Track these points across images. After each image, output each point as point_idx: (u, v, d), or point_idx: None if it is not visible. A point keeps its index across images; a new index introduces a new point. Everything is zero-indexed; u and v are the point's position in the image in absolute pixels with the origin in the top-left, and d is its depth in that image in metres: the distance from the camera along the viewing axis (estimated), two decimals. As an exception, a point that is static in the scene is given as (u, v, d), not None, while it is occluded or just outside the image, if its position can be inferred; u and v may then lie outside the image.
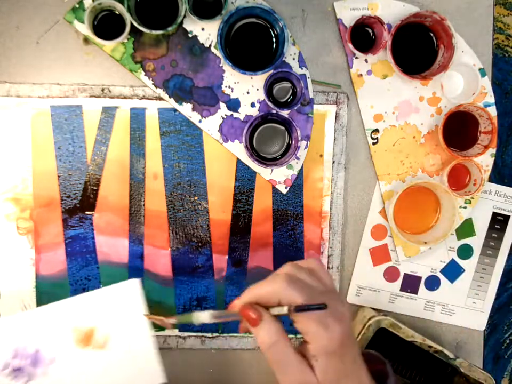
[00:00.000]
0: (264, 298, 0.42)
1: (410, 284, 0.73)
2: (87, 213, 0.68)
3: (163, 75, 0.68)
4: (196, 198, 0.70)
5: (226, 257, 0.70)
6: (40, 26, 0.67)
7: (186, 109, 0.68)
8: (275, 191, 0.70)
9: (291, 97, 0.68)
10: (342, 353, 0.41)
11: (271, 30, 0.67)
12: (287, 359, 0.41)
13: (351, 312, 0.43)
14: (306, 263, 0.46)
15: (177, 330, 0.70)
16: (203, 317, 0.46)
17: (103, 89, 0.68)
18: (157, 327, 0.70)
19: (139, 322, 0.62)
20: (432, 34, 0.70)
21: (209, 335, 0.71)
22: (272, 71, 0.65)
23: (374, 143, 0.71)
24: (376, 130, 0.71)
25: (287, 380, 0.42)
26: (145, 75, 0.67)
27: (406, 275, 0.73)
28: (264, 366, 0.72)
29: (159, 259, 0.69)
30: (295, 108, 0.68)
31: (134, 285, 0.63)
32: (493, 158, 0.71)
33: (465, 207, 0.72)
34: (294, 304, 0.40)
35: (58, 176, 0.68)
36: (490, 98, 0.71)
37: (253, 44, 0.67)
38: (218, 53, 0.68)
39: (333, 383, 0.41)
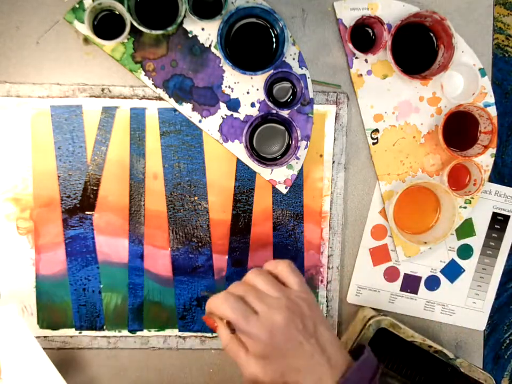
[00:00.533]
0: (211, 311, 0.51)
1: (410, 284, 0.73)
2: (87, 213, 0.68)
3: (163, 75, 0.68)
4: (196, 198, 0.70)
5: (226, 257, 0.70)
6: (40, 26, 0.67)
7: (186, 109, 0.68)
8: (275, 191, 0.70)
9: (291, 97, 0.68)
10: (278, 354, 0.48)
11: (271, 30, 0.67)
12: (239, 356, 0.49)
13: (283, 320, 0.49)
14: (275, 266, 0.53)
15: (177, 330, 0.70)
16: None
17: (103, 89, 0.68)
18: (158, 327, 0.70)
19: (28, 344, 0.61)
20: (432, 34, 0.70)
21: (209, 335, 0.71)
22: (272, 71, 0.65)
23: (374, 143, 0.71)
24: (376, 130, 0.71)
25: (242, 371, 0.50)
26: (145, 75, 0.67)
27: (406, 275, 0.73)
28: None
29: (159, 259, 0.69)
30: (295, 108, 0.68)
31: (11, 310, 0.62)
32: (493, 158, 0.71)
33: (465, 207, 0.72)
34: (227, 319, 0.49)
35: (58, 176, 0.68)
36: (490, 98, 0.71)
37: (253, 44, 0.67)
38: (218, 53, 0.68)
39: (276, 379, 0.48)
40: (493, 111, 0.70)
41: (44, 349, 0.68)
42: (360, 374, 0.49)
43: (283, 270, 0.53)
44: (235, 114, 0.68)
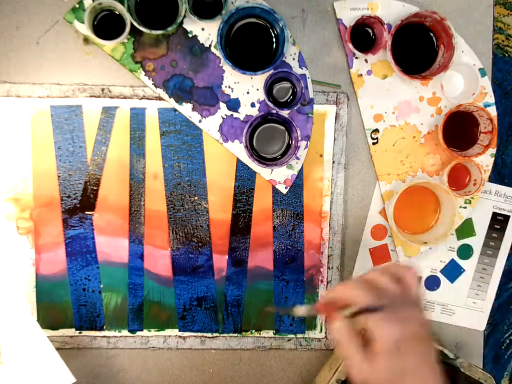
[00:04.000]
0: (337, 299, 0.48)
1: (410, 284, 0.73)
2: (87, 213, 0.68)
3: (163, 75, 0.68)
4: (196, 198, 0.70)
5: (226, 257, 0.70)
6: (40, 26, 0.67)
7: (186, 109, 0.68)
8: (275, 191, 0.70)
9: (291, 97, 0.68)
10: (404, 352, 0.45)
11: (271, 30, 0.67)
12: (350, 354, 0.46)
13: (422, 318, 0.47)
14: (400, 270, 0.50)
15: (177, 330, 0.70)
16: (302, 311, 0.53)
17: (103, 89, 0.68)
18: (158, 327, 0.70)
19: (30, 327, 0.60)
20: (432, 34, 0.70)
21: (209, 335, 0.71)
22: (272, 71, 0.65)
23: (374, 143, 0.71)
24: (376, 130, 0.71)
25: (350, 371, 0.47)
26: (145, 75, 0.67)
27: (406, 275, 0.73)
28: (264, 366, 0.72)
29: (159, 259, 0.69)
30: (295, 108, 0.68)
31: (13, 291, 0.61)
32: (493, 158, 0.71)
33: (465, 207, 0.72)
34: (359, 305, 0.45)
35: (58, 176, 0.68)
36: (490, 98, 0.71)
37: (253, 44, 0.67)
38: (218, 53, 0.68)
39: (389, 381, 0.45)
40: (493, 111, 0.70)
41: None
42: None
43: (408, 276, 0.49)
44: (235, 114, 0.68)
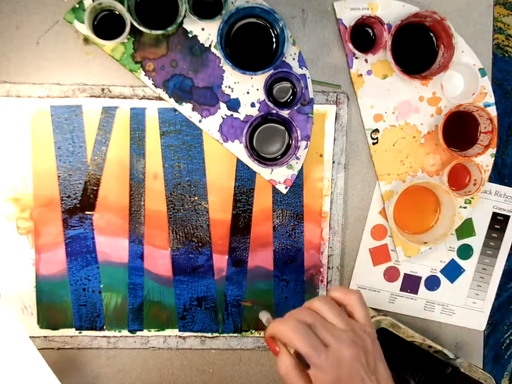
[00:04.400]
0: (277, 336, 0.49)
1: (410, 284, 0.73)
2: (87, 213, 0.68)
3: (163, 75, 0.68)
4: (196, 198, 0.70)
5: (226, 257, 0.70)
6: (40, 26, 0.67)
7: (186, 109, 0.68)
8: (275, 191, 0.70)
9: (291, 97, 0.68)
10: None
11: (271, 30, 0.67)
12: None
13: (356, 352, 0.48)
14: (344, 295, 0.52)
15: (177, 330, 0.70)
16: (263, 319, 0.57)
17: (103, 89, 0.68)
18: (158, 327, 0.70)
19: (23, 345, 0.59)
20: (432, 34, 0.70)
21: (209, 335, 0.71)
22: (272, 71, 0.65)
23: (374, 143, 0.71)
24: (376, 130, 0.71)
25: None
26: (145, 75, 0.67)
27: (406, 275, 0.73)
28: (264, 366, 0.72)
29: (159, 259, 0.69)
30: (295, 108, 0.68)
31: (6, 311, 0.60)
32: (493, 158, 0.71)
33: (465, 207, 0.72)
34: (296, 349, 0.47)
35: (58, 176, 0.68)
36: (490, 98, 0.71)
37: (253, 44, 0.68)
38: (218, 53, 0.68)
39: None
40: (493, 111, 0.70)
41: (43, 349, 0.68)
42: None
43: (352, 300, 0.52)
44: (235, 114, 0.68)
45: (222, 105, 0.68)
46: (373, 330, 0.51)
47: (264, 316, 0.60)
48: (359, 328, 0.50)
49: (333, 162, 0.70)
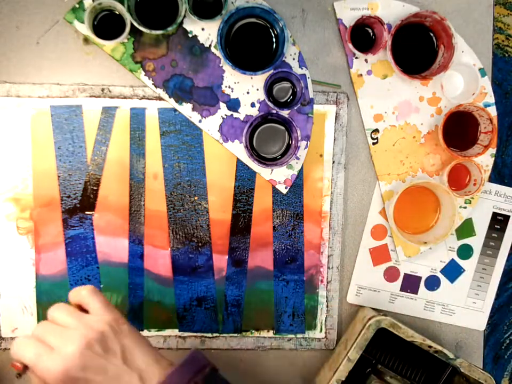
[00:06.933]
0: (14, 358, 0.50)
1: (410, 284, 0.73)
2: (87, 213, 0.68)
3: (163, 75, 0.68)
4: (196, 198, 0.70)
5: (226, 257, 0.70)
6: (40, 26, 0.67)
7: (186, 109, 0.68)
8: (275, 191, 0.70)
9: (291, 97, 0.68)
10: None
11: (271, 30, 0.67)
12: None
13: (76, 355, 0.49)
14: (78, 293, 0.53)
15: (177, 330, 0.70)
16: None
17: (103, 89, 0.68)
18: (158, 327, 0.70)
19: None
20: (432, 34, 0.70)
21: (209, 335, 0.71)
22: (272, 71, 0.65)
23: (374, 143, 0.71)
24: (376, 130, 0.71)
25: None
26: (145, 75, 0.67)
27: (406, 275, 0.73)
28: (264, 366, 0.72)
29: (159, 259, 0.69)
30: (295, 108, 0.68)
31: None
32: (493, 158, 0.71)
33: (465, 207, 0.72)
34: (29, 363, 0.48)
35: (58, 176, 0.68)
36: (490, 98, 0.71)
37: (253, 44, 0.67)
38: (218, 53, 0.68)
39: None
40: (493, 111, 0.70)
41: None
42: (176, 379, 0.49)
43: (83, 296, 0.53)
44: (235, 114, 0.68)
45: (222, 105, 0.68)
46: (113, 316, 0.52)
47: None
48: (91, 319, 0.51)
49: (333, 162, 0.70)
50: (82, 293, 0.53)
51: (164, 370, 0.50)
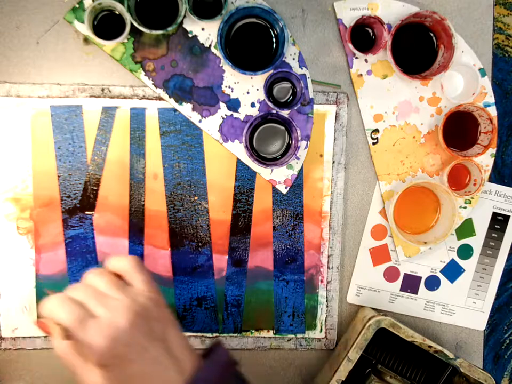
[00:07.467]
0: (44, 315, 0.46)
1: (410, 284, 0.73)
2: (87, 213, 0.68)
3: (163, 75, 0.68)
4: (196, 198, 0.70)
5: (226, 257, 0.70)
6: (40, 26, 0.67)
7: (186, 109, 0.68)
8: (275, 191, 0.70)
9: (291, 97, 0.68)
10: (119, 362, 0.45)
11: (271, 30, 0.67)
12: (76, 371, 0.46)
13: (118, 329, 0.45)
14: (118, 263, 0.50)
15: (177, 330, 0.70)
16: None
17: (103, 89, 0.68)
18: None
19: None
20: (432, 34, 0.70)
21: (209, 335, 0.71)
22: (272, 71, 0.65)
23: (374, 143, 0.71)
24: (376, 130, 0.71)
25: (79, 380, 0.47)
26: (145, 75, 0.67)
27: (406, 275, 0.73)
28: (264, 366, 0.72)
29: (159, 259, 0.69)
30: (295, 108, 0.68)
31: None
32: (493, 158, 0.71)
33: (465, 207, 0.72)
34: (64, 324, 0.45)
35: (58, 176, 0.68)
36: (490, 98, 0.71)
37: (253, 44, 0.68)
38: (218, 53, 0.68)
39: None
40: (493, 111, 0.70)
41: (43, 349, 0.68)
42: (208, 373, 0.47)
43: (126, 267, 0.49)
44: (235, 114, 0.68)
45: (222, 105, 0.68)
46: (157, 295, 0.49)
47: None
48: (138, 294, 0.47)
49: (333, 162, 0.70)
50: (126, 263, 0.49)
51: (195, 362, 0.47)
